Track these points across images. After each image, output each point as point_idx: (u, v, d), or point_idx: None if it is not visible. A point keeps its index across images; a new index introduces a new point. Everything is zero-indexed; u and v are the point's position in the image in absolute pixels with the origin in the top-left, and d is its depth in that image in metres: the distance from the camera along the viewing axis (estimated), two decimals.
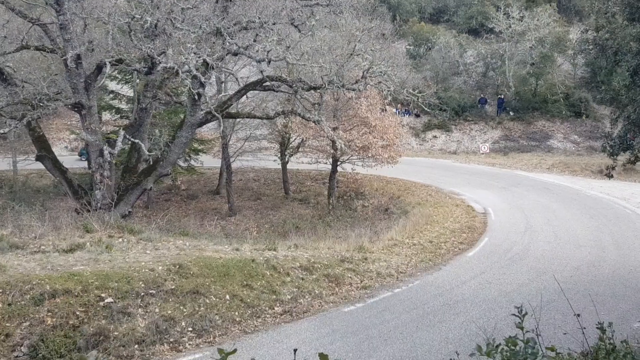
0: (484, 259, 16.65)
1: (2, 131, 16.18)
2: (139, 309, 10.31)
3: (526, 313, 3.09)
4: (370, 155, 26.62)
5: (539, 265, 15.76)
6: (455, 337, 10.59)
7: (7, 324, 9.11)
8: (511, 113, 43.64)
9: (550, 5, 43.73)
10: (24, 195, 26.28)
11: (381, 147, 26.29)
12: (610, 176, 17.22)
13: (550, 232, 19.86)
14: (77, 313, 9.68)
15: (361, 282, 14.06)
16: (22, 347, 8.95)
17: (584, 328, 3.54)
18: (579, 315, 3.78)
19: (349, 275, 14.24)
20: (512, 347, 2.56)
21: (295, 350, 2.06)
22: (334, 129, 23.14)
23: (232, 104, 20.00)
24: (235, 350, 2.03)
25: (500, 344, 2.66)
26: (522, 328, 2.89)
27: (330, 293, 13.11)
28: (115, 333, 9.64)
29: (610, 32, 15.22)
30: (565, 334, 4.82)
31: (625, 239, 18.92)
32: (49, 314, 9.49)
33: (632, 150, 16.18)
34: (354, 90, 18.64)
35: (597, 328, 3.54)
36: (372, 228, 22.84)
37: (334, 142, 22.47)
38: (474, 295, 13.18)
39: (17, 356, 8.85)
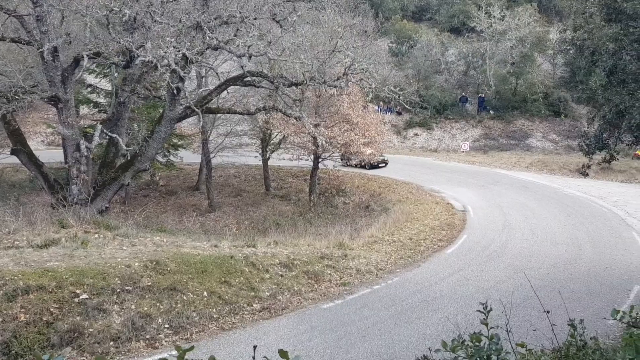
0: (462, 256, 16.78)
1: None
2: (115, 306, 10.18)
3: (491, 309, 3.10)
4: (352, 152, 26.68)
5: (516, 263, 15.93)
6: (432, 334, 10.67)
7: None
8: (491, 112, 44.06)
9: (531, 5, 44.21)
10: None
11: (363, 144, 26.38)
12: (585, 174, 17.41)
13: (528, 230, 20.10)
14: (51, 309, 9.52)
15: (340, 278, 14.08)
16: None
17: (554, 325, 3.56)
18: (548, 312, 3.81)
19: (329, 272, 14.25)
20: (477, 343, 2.57)
21: (255, 347, 2.03)
22: (316, 125, 23.11)
23: (212, 99, 19.86)
24: (192, 347, 1.99)
25: (465, 340, 2.66)
26: (486, 324, 2.90)
27: (309, 290, 13.11)
28: (90, 330, 9.51)
29: (587, 32, 15.35)
30: (535, 330, 4.86)
31: (601, 237, 19.22)
32: (22, 310, 9.32)
33: (607, 149, 16.37)
34: (335, 87, 18.61)
35: (568, 325, 3.57)
36: (353, 225, 22.90)
37: (315, 138, 22.43)
38: (452, 292, 13.29)
39: None
